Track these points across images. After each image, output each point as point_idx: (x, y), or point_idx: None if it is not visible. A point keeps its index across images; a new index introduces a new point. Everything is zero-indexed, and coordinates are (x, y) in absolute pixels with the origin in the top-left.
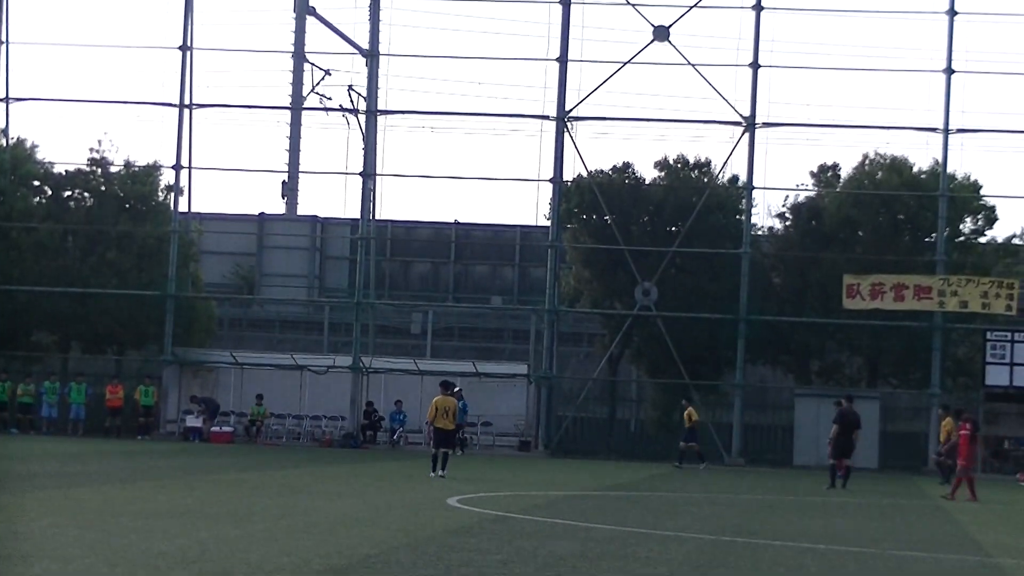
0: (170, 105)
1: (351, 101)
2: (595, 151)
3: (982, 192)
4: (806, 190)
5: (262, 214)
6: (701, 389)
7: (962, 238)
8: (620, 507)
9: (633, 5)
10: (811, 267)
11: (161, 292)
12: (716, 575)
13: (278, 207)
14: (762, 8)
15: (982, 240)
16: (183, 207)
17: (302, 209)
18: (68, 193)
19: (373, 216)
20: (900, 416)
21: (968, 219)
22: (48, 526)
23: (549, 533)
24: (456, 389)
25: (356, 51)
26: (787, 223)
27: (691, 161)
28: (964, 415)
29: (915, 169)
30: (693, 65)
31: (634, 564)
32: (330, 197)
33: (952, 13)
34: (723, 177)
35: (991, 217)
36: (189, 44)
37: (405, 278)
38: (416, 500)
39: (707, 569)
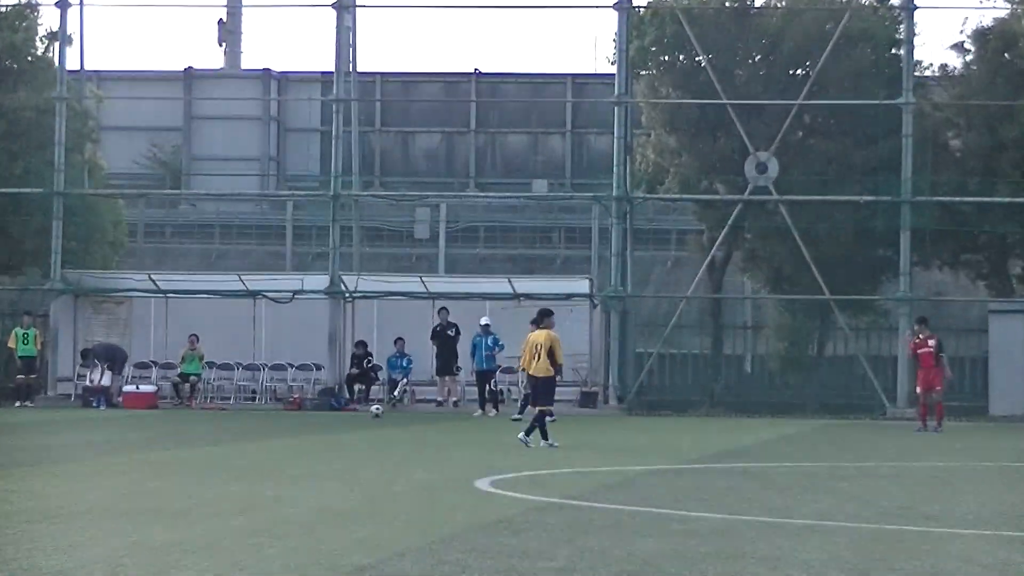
0: None
1: None
2: None
3: None
4: (994, 8)
5: (190, 70)
6: (849, 307)
7: None
8: (731, 485)
9: None
10: (1006, 121)
11: (45, 188)
12: None
13: (213, 60)
14: None
15: None
16: (73, 63)
17: (248, 62)
18: None
19: (354, 68)
20: None
21: None
22: None
23: (627, 526)
24: (484, 323)
25: None
26: (967, 58)
27: None
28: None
29: None
30: None
31: (756, 567)
32: (289, 43)
33: None
34: None
35: None
36: None
37: (404, 158)
38: (431, 483)
39: (865, 573)
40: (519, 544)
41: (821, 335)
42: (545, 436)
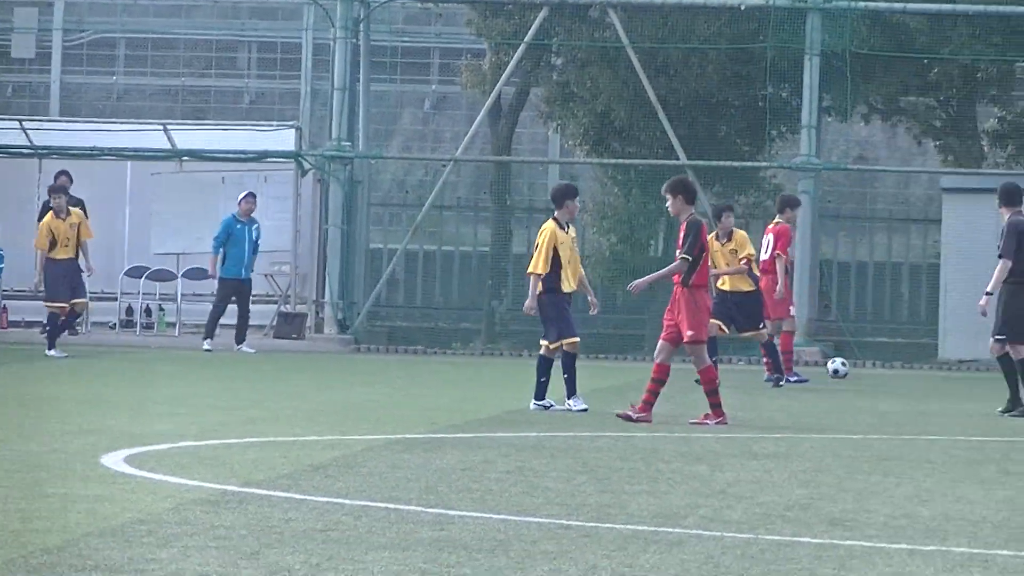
0: None
1: None
2: None
3: None
4: None
5: None
6: (718, 179)
7: None
8: (518, 466)
9: None
10: None
11: None
12: None
13: None
14: None
15: None
16: None
17: None
18: None
19: None
20: None
21: None
22: None
23: (342, 532)
24: (247, 193)
25: None
26: None
27: None
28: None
29: None
30: None
31: None
32: None
33: None
34: None
35: None
36: None
37: None
38: (26, 459)
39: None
40: (168, 559)
41: (673, 224)
42: (571, 391)
